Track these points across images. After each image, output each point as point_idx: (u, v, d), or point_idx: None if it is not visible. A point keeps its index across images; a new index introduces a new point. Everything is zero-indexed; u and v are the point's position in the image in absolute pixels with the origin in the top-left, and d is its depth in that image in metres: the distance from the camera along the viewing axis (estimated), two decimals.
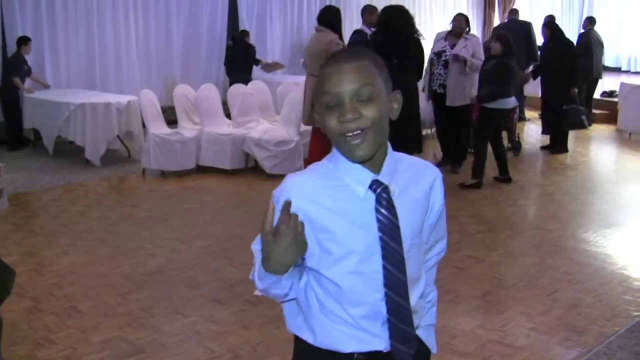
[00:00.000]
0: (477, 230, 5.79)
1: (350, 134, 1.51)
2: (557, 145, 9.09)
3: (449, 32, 7.87)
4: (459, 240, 5.43)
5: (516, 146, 8.99)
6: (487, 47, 8.81)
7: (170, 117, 8.67)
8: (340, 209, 1.56)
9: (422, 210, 1.67)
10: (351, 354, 1.63)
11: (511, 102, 7.13)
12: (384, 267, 1.58)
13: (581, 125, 8.87)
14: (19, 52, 8.93)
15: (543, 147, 9.28)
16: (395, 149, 1.66)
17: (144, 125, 8.09)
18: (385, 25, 5.93)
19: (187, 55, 11.32)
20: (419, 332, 1.75)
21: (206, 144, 7.80)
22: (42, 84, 9.35)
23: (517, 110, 9.02)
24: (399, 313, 1.61)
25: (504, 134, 9.23)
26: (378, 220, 1.57)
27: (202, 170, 7.81)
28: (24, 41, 8.93)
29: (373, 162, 1.58)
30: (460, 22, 7.74)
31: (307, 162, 6.66)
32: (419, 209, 1.65)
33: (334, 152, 1.61)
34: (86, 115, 8.12)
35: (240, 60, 10.63)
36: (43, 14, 9.59)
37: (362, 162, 1.55)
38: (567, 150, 9.08)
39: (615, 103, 11.09)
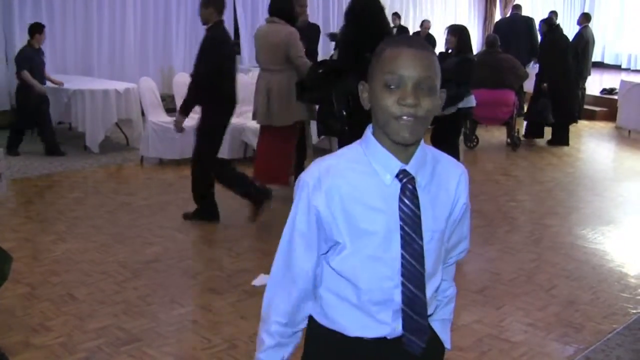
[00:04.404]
0: (476, 225, 5.77)
1: (405, 117, 1.52)
2: (556, 137, 9.27)
3: None
4: None
5: (515, 142, 8.99)
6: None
7: (169, 106, 8.63)
8: (366, 193, 1.58)
9: (446, 206, 1.67)
10: (359, 338, 1.64)
11: (472, 99, 6.62)
12: (403, 256, 1.59)
13: (546, 120, 9.18)
14: (29, 43, 8.00)
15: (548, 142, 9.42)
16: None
17: (143, 113, 8.05)
18: (356, 17, 5.21)
19: (186, 44, 11.26)
20: (434, 324, 1.76)
21: None
22: (54, 82, 8.32)
23: (517, 105, 9.02)
24: (413, 304, 1.61)
25: (503, 129, 9.31)
26: (401, 209, 1.58)
27: None
28: (37, 30, 8.00)
29: (406, 151, 1.59)
30: None
31: (259, 165, 6.02)
32: (442, 204, 1.66)
33: (367, 136, 1.62)
34: (85, 101, 8.07)
35: None
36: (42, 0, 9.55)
37: (404, 144, 1.56)
38: (567, 144, 9.15)
39: (615, 100, 11.09)
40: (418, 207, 1.59)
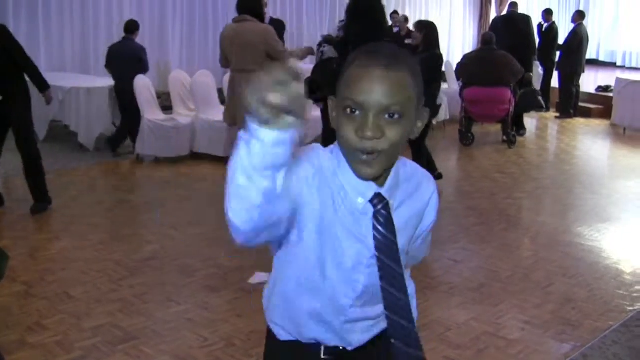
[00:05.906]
0: (473, 222, 5.78)
1: (363, 153, 1.34)
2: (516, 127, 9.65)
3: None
4: (455, 233, 5.42)
5: (512, 139, 8.99)
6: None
7: (165, 103, 8.62)
8: (340, 211, 1.44)
9: (416, 224, 1.57)
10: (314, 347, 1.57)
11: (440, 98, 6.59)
12: (383, 289, 1.45)
13: (539, 106, 9.48)
14: (131, 39, 7.99)
15: None
16: None
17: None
18: (357, 14, 4.98)
19: (182, 41, 11.22)
20: None
21: (201, 131, 7.76)
22: None
23: (513, 102, 9.01)
24: (404, 336, 1.48)
25: (499, 126, 9.32)
26: (375, 238, 1.43)
27: (196, 157, 7.77)
28: (137, 27, 8.14)
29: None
30: None
31: None
32: (413, 223, 1.55)
33: (338, 151, 1.43)
34: (80, 99, 8.05)
35: None
36: None
37: (367, 180, 1.41)
38: (524, 129, 9.77)
39: (610, 98, 11.10)
40: (394, 233, 1.44)
